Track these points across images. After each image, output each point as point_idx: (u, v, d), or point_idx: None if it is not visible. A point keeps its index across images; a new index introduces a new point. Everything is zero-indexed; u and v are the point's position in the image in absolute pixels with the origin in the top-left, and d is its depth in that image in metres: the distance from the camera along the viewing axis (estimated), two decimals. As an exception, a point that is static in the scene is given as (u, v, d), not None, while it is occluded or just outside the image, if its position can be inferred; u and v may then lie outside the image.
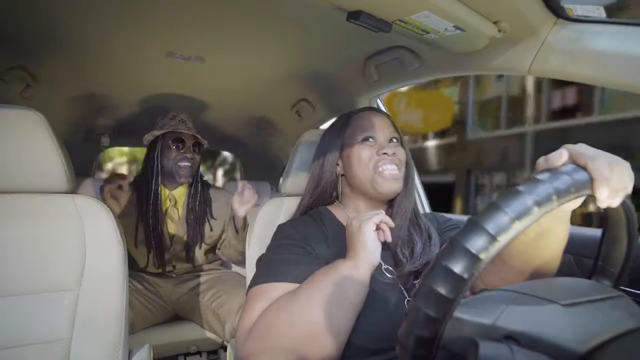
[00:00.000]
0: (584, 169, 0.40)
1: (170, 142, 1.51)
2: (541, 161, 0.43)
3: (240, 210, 1.50)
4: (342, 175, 0.89)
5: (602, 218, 0.48)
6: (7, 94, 1.27)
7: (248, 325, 0.65)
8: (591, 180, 0.40)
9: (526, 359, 0.34)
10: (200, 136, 1.56)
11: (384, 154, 0.81)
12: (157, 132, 1.51)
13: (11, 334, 0.77)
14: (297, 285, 0.67)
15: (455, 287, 0.34)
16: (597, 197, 0.40)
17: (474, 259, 0.34)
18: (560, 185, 0.37)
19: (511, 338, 0.36)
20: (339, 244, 0.78)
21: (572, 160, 0.41)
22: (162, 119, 1.57)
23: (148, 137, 1.53)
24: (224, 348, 1.62)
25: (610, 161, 0.40)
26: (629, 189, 0.42)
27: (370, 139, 0.84)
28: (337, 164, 0.88)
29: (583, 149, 0.42)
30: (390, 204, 0.86)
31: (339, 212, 0.87)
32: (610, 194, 0.40)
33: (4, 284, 0.78)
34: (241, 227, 1.56)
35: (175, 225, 1.57)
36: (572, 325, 0.37)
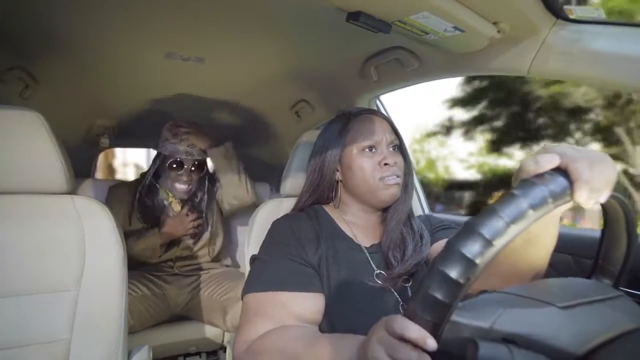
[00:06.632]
0: (565, 170, 0.39)
1: (167, 163, 1.50)
2: (530, 163, 0.40)
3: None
4: (339, 181, 0.87)
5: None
6: (7, 95, 1.27)
7: (247, 339, 0.66)
8: (571, 183, 0.38)
9: (525, 359, 0.34)
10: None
11: (386, 164, 0.80)
12: (159, 150, 1.52)
13: (10, 334, 0.77)
14: (295, 294, 0.69)
15: (452, 292, 0.34)
16: (577, 201, 0.38)
17: (470, 263, 0.34)
18: (555, 188, 0.37)
19: (509, 341, 0.36)
20: (330, 244, 0.78)
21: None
22: (168, 130, 1.53)
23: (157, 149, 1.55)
24: (224, 349, 1.62)
25: (591, 162, 0.39)
26: (613, 183, 0.40)
27: (372, 149, 0.82)
28: (337, 170, 0.86)
29: (564, 150, 0.40)
30: (385, 208, 0.86)
31: (335, 214, 0.86)
32: (592, 194, 0.38)
33: (4, 285, 0.77)
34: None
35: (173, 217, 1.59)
36: (570, 327, 0.37)
